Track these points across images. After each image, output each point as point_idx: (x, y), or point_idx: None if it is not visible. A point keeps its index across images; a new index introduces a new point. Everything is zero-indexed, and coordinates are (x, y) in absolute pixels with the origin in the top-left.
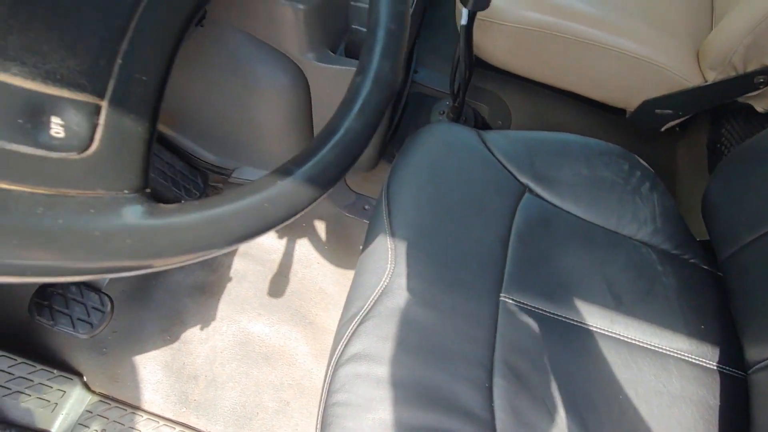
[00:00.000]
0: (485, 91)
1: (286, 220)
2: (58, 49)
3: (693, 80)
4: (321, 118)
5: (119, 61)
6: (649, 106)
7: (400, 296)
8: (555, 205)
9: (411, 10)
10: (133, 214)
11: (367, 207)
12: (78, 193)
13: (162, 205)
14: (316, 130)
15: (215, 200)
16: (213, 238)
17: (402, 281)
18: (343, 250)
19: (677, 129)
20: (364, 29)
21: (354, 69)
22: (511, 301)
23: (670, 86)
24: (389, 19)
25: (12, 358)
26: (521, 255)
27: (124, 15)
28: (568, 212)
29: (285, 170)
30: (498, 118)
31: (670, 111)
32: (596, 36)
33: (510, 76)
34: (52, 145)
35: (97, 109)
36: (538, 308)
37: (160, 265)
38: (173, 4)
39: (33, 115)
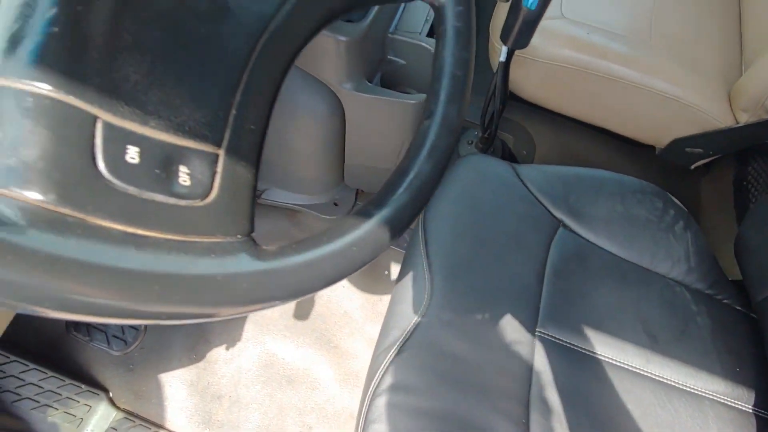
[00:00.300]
0: (510, 120)
1: (368, 263)
2: (187, 102)
3: (725, 121)
4: (353, 144)
5: (233, 112)
6: (679, 144)
7: (437, 327)
8: (589, 241)
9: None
10: (247, 258)
11: None
12: (201, 239)
13: (265, 248)
14: (348, 156)
15: (309, 243)
16: (312, 281)
17: (439, 312)
18: (369, 274)
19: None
20: (401, 60)
21: (389, 98)
22: (547, 337)
23: (702, 126)
24: (455, 66)
25: (42, 371)
26: (557, 290)
27: (238, 68)
28: (602, 248)
29: (365, 212)
30: (522, 148)
31: (700, 150)
32: (628, 75)
33: (534, 107)
34: (180, 193)
35: (216, 158)
36: (573, 344)
37: (265, 308)
38: (278, 54)
39: (166, 165)
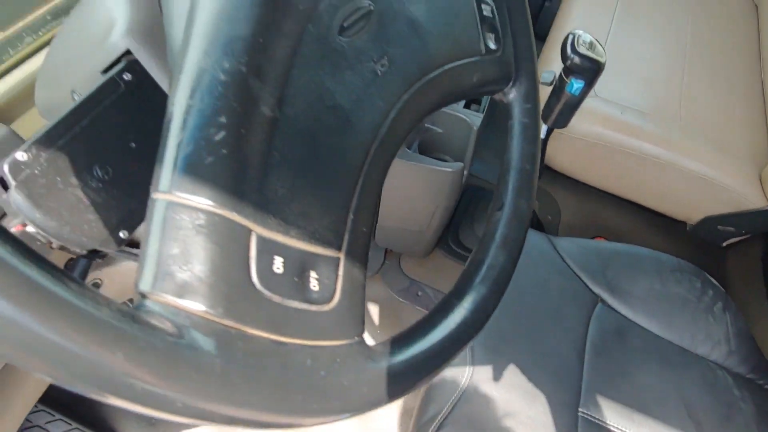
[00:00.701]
0: None
1: (458, 355)
2: (318, 211)
3: (756, 202)
4: (388, 206)
5: (351, 216)
6: (711, 222)
7: (479, 403)
8: (628, 318)
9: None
10: (365, 360)
11: (420, 293)
12: (327, 343)
13: (374, 346)
14: (381, 218)
15: (407, 338)
16: (416, 380)
17: (481, 387)
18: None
19: None
20: (438, 129)
21: (427, 165)
22: (590, 417)
23: (734, 205)
24: (523, 160)
25: (67, 423)
26: (598, 368)
27: (355, 175)
28: (641, 327)
29: (449, 306)
30: (547, 213)
31: (732, 228)
32: (660, 153)
33: (560, 174)
34: (312, 299)
35: (338, 262)
36: (617, 427)
37: (375, 408)
38: (385, 156)
39: (301, 272)
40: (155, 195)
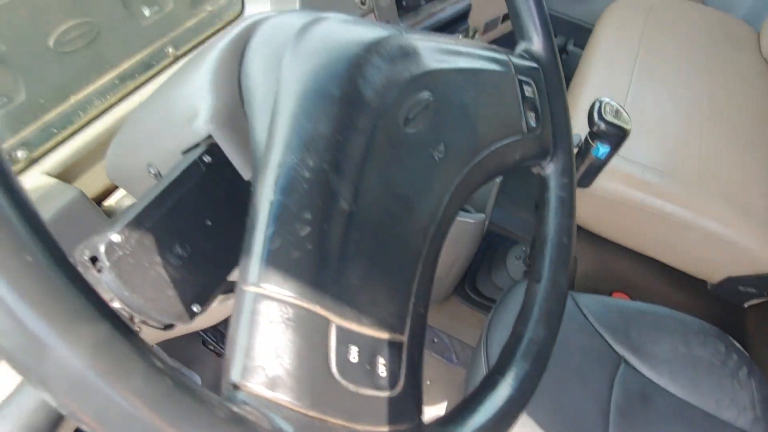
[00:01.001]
0: None
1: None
2: (385, 297)
3: None
4: None
5: (413, 300)
6: (732, 282)
7: None
8: (652, 381)
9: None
10: None
11: (435, 340)
12: (394, 428)
13: (430, 427)
14: None
15: (460, 418)
16: None
17: None
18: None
19: None
20: None
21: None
22: None
23: (755, 267)
24: (561, 233)
25: None
26: (623, 431)
27: (415, 260)
28: (666, 390)
29: (494, 381)
30: None
31: (754, 290)
32: (680, 213)
33: (577, 226)
34: (380, 385)
35: (401, 346)
36: None
37: None
38: (440, 237)
39: (372, 358)
40: (245, 287)
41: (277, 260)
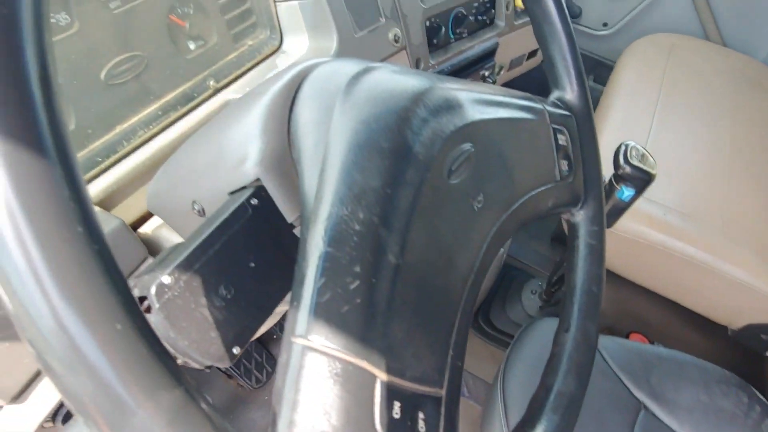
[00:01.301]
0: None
1: None
2: (427, 350)
3: None
4: None
5: (451, 353)
6: (753, 330)
7: None
8: (673, 429)
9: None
10: None
11: None
12: None
13: None
14: None
15: None
16: None
17: None
18: None
19: None
20: None
21: None
22: None
23: None
24: (590, 282)
25: None
26: None
27: (454, 312)
28: None
29: None
30: None
31: None
32: (702, 257)
33: None
34: None
35: (440, 401)
36: None
37: None
38: (477, 288)
39: (413, 414)
40: (293, 338)
41: (326, 313)
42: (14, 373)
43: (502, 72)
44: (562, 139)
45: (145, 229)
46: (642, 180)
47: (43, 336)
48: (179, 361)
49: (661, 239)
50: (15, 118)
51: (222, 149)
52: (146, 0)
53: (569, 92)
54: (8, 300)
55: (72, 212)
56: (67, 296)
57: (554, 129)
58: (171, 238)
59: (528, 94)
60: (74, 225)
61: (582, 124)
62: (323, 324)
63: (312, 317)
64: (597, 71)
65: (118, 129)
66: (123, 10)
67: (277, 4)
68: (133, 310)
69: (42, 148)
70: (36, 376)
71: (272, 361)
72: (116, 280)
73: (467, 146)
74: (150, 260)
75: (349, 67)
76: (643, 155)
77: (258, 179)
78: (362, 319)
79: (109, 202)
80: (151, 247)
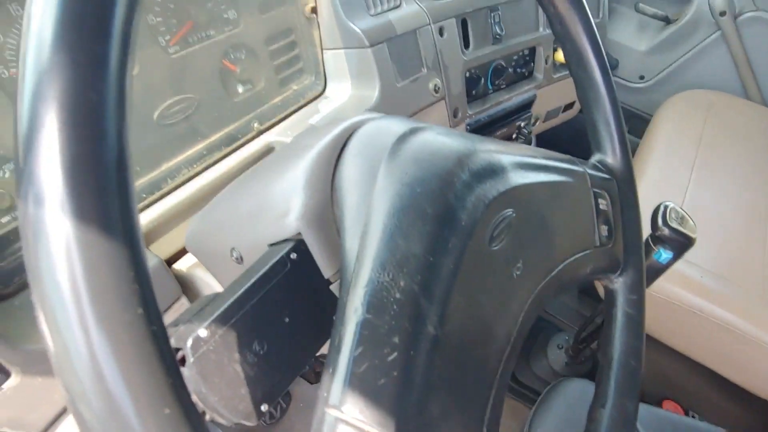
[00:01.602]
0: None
1: None
2: (461, 427)
3: None
4: None
5: (484, 429)
6: None
7: None
8: None
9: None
10: None
11: None
12: None
13: None
14: None
15: None
16: None
17: None
18: None
19: None
20: None
21: None
22: None
23: None
24: (628, 355)
25: None
26: None
27: (489, 384)
28: None
29: None
30: None
31: None
32: (740, 324)
33: None
34: None
35: None
36: None
37: None
38: (514, 358)
39: None
40: (327, 408)
41: (361, 384)
42: (41, 408)
43: (537, 123)
44: (603, 204)
45: (180, 266)
46: (681, 243)
47: (95, 413)
48: (207, 417)
49: (697, 303)
50: (93, 203)
51: (265, 200)
52: (203, 46)
53: (611, 156)
54: (60, 365)
55: (134, 294)
56: (122, 378)
57: (595, 193)
58: (205, 278)
59: (569, 157)
60: (134, 307)
61: (623, 189)
62: (358, 396)
63: (347, 388)
64: (631, 123)
65: (165, 167)
66: (180, 55)
67: (324, 51)
68: (182, 397)
69: (113, 232)
70: (62, 412)
71: (287, 397)
72: (169, 365)
73: (509, 212)
74: (183, 299)
75: (396, 126)
76: (682, 217)
77: (299, 233)
78: (398, 394)
79: (148, 237)
80: (185, 285)
